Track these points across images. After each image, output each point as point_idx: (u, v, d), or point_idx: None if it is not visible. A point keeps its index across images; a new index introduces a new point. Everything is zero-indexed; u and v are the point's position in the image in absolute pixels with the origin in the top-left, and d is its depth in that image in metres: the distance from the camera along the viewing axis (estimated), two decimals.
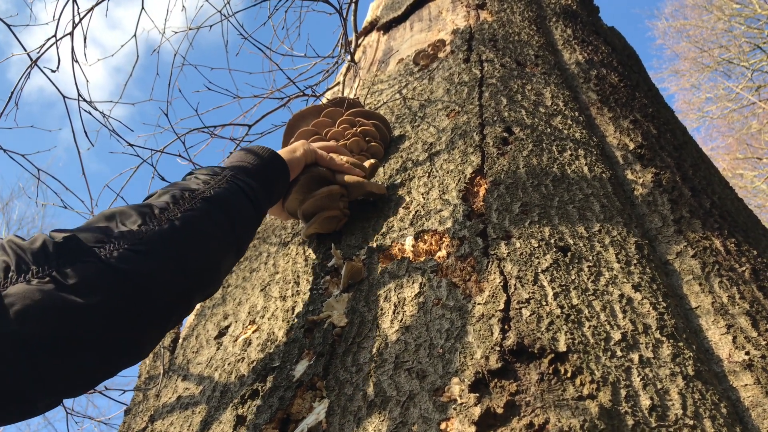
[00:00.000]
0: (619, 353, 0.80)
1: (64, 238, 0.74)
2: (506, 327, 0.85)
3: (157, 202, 0.88)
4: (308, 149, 1.25)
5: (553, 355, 0.79)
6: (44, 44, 1.48)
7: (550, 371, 0.78)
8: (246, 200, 0.99)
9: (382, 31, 2.66)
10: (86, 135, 1.56)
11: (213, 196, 0.93)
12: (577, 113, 1.51)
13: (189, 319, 1.61)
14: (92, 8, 1.57)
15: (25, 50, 1.46)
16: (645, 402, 0.73)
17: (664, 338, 0.84)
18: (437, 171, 1.31)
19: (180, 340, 1.47)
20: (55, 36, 1.47)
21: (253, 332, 1.17)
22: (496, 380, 0.78)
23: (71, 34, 1.55)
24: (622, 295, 0.91)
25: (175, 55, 1.95)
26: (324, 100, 2.10)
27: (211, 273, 0.91)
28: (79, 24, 1.54)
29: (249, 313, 1.25)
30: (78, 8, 1.53)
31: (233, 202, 0.96)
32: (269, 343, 1.10)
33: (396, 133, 1.60)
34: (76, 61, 1.56)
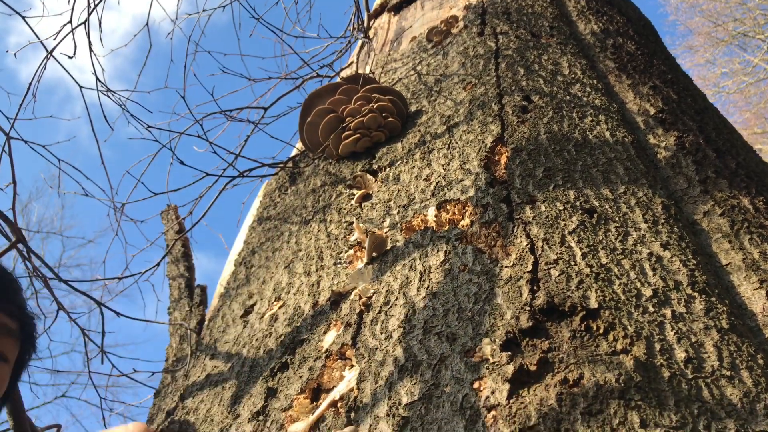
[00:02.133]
0: (651, 309, 0.80)
1: None
2: (535, 288, 0.84)
3: None
4: None
5: (584, 312, 0.79)
6: (59, 31, 1.48)
7: (582, 328, 0.77)
8: None
9: (392, 12, 2.64)
10: (107, 121, 1.57)
11: None
12: (595, 81, 1.49)
13: (213, 302, 1.62)
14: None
15: (41, 41, 1.47)
16: (680, 355, 0.72)
17: (696, 293, 0.83)
18: (457, 142, 1.30)
19: (206, 322, 1.48)
20: (71, 23, 1.47)
21: (279, 308, 1.18)
22: (527, 339, 0.77)
23: (87, 21, 1.55)
24: (651, 254, 0.90)
25: (189, 40, 1.95)
26: (338, 80, 2.10)
27: None
28: (94, 11, 1.54)
29: (274, 290, 1.25)
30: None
31: None
32: (296, 317, 1.11)
33: (413, 108, 1.59)
34: (92, 51, 1.56)
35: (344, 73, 2.22)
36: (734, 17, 13.44)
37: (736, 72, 13.37)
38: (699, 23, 14.33)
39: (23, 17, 1.55)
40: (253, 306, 1.29)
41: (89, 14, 1.57)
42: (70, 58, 1.48)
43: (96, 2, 1.57)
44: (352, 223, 1.25)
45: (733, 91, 13.31)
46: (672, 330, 0.76)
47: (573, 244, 0.91)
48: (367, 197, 1.33)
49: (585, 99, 1.38)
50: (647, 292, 0.82)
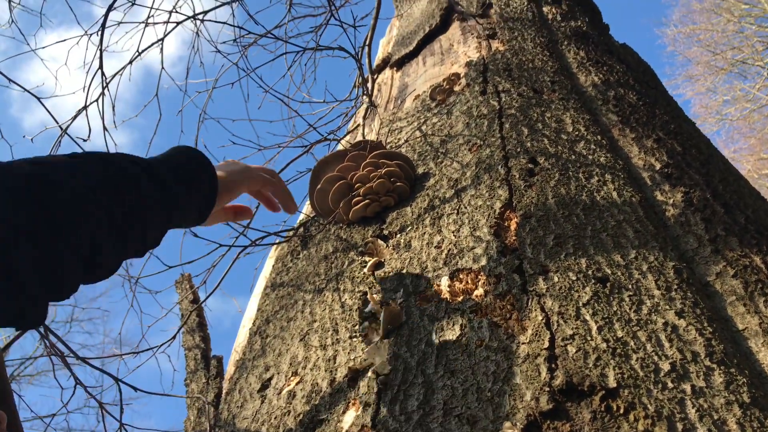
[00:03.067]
0: (670, 384, 0.79)
1: None
2: (553, 366, 0.84)
3: None
4: (254, 174, 1.14)
5: (603, 392, 0.79)
6: (76, 116, 1.53)
7: (602, 408, 0.77)
8: (155, 191, 0.91)
9: (395, 68, 2.70)
10: None
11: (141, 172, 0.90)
12: (599, 137, 1.51)
13: (229, 372, 1.62)
14: (116, 74, 1.63)
15: (57, 122, 1.51)
16: None
17: (714, 365, 0.83)
18: (466, 207, 1.32)
19: (223, 395, 1.48)
20: (85, 108, 1.52)
21: (297, 384, 1.18)
22: (548, 422, 0.77)
23: (100, 98, 1.60)
24: (666, 323, 0.90)
25: (201, 114, 2.00)
26: (344, 143, 2.13)
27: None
28: (106, 88, 1.59)
29: (290, 364, 1.26)
30: (105, 79, 1.58)
31: (143, 189, 0.89)
32: (314, 394, 1.11)
33: (420, 170, 1.62)
34: (106, 129, 1.61)
35: (350, 136, 2.25)
36: (732, 45, 13.59)
37: (738, 99, 13.45)
38: (697, 53, 14.49)
39: (39, 99, 1.59)
40: (270, 380, 1.29)
41: (103, 91, 1.62)
42: (84, 140, 1.52)
43: (107, 82, 1.62)
44: (366, 293, 1.26)
45: (737, 118, 13.37)
46: (693, 407, 0.76)
47: (588, 318, 0.91)
48: (379, 265, 1.34)
49: (590, 157, 1.40)
50: (665, 366, 0.82)
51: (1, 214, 0.74)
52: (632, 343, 0.86)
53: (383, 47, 3.27)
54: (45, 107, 1.66)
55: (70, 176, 0.83)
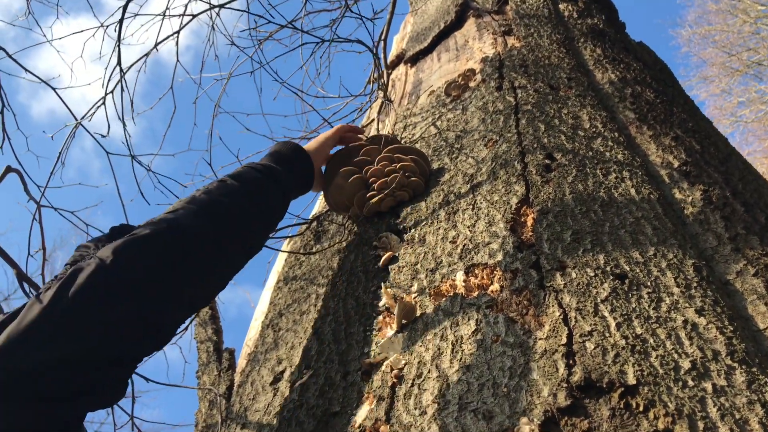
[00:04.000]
0: (690, 383, 0.78)
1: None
2: (571, 362, 0.83)
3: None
4: (332, 132, 1.60)
5: (623, 389, 0.78)
6: (93, 111, 1.54)
7: (622, 406, 0.76)
8: (255, 171, 1.27)
9: (409, 64, 2.68)
10: (140, 191, 1.61)
11: (225, 177, 1.23)
12: (616, 134, 1.50)
13: (241, 365, 1.62)
14: (132, 66, 1.63)
15: (72, 114, 1.51)
16: None
17: (736, 364, 0.81)
18: (481, 202, 1.31)
19: (235, 387, 1.48)
20: (104, 104, 1.52)
21: (310, 377, 1.17)
22: (566, 418, 0.76)
23: (117, 90, 1.60)
24: (686, 321, 0.89)
25: (215, 106, 2.00)
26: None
27: (222, 213, 1.14)
28: (123, 79, 1.59)
29: (303, 357, 1.25)
30: (123, 72, 1.58)
31: (243, 175, 1.24)
32: (327, 387, 1.10)
33: (435, 165, 1.61)
34: (124, 124, 1.61)
35: (365, 132, 2.24)
36: (748, 47, 13.47)
37: (753, 101, 13.33)
38: (712, 54, 14.37)
39: (54, 89, 1.60)
40: (282, 373, 1.29)
41: (119, 82, 1.62)
42: (104, 137, 1.52)
43: (123, 73, 1.62)
44: (380, 287, 1.25)
45: (752, 120, 13.25)
46: (714, 406, 0.75)
47: (606, 314, 0.90)
48: (393, 259, 1.33)
49: (608, 154, 1.39)
50: (685, 364, 0.81)
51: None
52: (651, 341, 0.85)
53: (397, 43, 3.26)
54: (62, 99, 1.67)
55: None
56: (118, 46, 1.82)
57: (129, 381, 1.00)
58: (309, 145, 1.51)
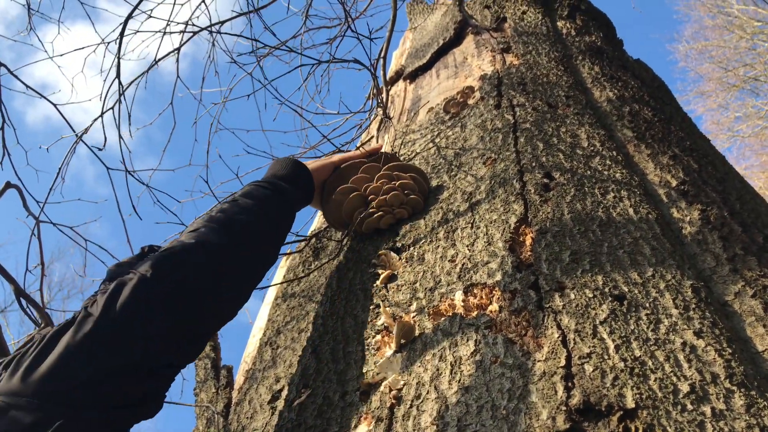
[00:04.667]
0: (689, 406, 0.78)
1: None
2: (570, 384, 0.83)
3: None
4: (336, 158, 1.65)
5: (621, 413, 0.78)
6: (91, 125, 1.54)
7: (620, 430, 0.76)
8: (262, 189, 1.35)
9: (408, 80, 2.70)
10: (134, 208, 1.62)
11: (237, 195, 1.32)
12: (614, 152, 1.50)
13: (239, 382, 1.61)
14: (133, 82, 1.63)
15: (72, 129, 1.52)
16: None
17: (734, 387, 0.81)
18: (480, 221, 1.31)
19: (233, 405, 1.47)
20: (101, 117, 1.53)
21: (308, 396, 1.17)
22: None
23: (116, 106, 1.61)
24: (684, 343, 0.89)
25: (213, 123, 2.00)
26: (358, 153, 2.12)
27: (241, 230, 1.23)
28: (123, 96, 1.60)
29: (302, 376, 1.25)
30: (122, 86, 1.59)
31: (252, 193, 1.33)
32: (325, 407, 1.10)
33: (433, 183, 1.61)
34: (120, 137, 1.62)
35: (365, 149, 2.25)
36: (744, 62, 13.55)
37: (750, 116, 13.40)
38: (709, 69, 14.46)
39: (55, 105, 1.60)
40: (280, 391, 1.29)
41: (119, 100, 1.63)
42: (100, 149, 1.53)
43: (124, 89, 1.63)
44: (379, 306, 1.25)
45: (748, 134, 13.31)
46: (713, 430, 0.75)
47: (605, 336, 0.90)
48: (392, 278, 1.33)
49: (606, 173, 1.39)
50: (684, 387, 0.81)
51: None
52: (650, 363, 0.85)
53: (396, 59, 3.28)
54: (62, 114, 1.67)
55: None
56: (119, 60, 1.83)
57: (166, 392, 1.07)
58: (310, 163, 1.58)
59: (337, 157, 1.66)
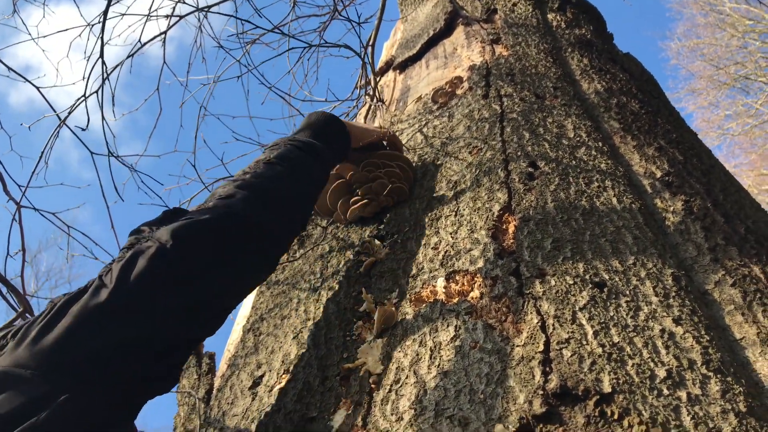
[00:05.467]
0: (666, 391, 0.78)
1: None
2: (548, 369, 0.83)
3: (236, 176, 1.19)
4: (382, 131, 1.61)
5: (598, 397, 0.78)
6: (74, 105, 1.52)
7: (597, 414, 0.76)
8: (302, 153, 1.28)
9: (398, 71, 2.69)
10: (117, 191, 1.60)
11: (272, 158, 1.22)
12: (600, 143, 1.50)
13: (222, 370, 1.61)
14: (117, 66, 1.61)
15: (57, 115, 1.50)
16: None
17: (711, 373, 0.82)
18: (464, 209, 1.31)
19: (214, 392, 1.46)
20: (85, 100, 1.51)
21: (288, 381, 1.17)
22: (541, 425, 0.76)
23: (100, 90, 1.59)
24: (663, 330, 0.89)
25: (200, 108, 1.99)
26: None
27: (276, 202, 1.17)
28: (107, 80, 1.58)
29: (283, 361, 1.24)
30: (106, 68, 1.57)
31: (289, 157, 1.25)
32: (305, 392, 1.09)
33: (419, 172, 1.61)
34: (105, 120, 1.60)
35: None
36: (735, 60, 13.61)
37: (740, 114, 13.47)
38: (701, 67, 14.52)
39: (38, 88, 1.59)
40: (261, 377, 1.28)
41: (102, 85, 1.61)
42: (83, 130, 1.51)
43: (108, 74, 1.61)
44: (361, 292, 1.25)
45: (738, 132, 13.38)
46: (688, 415, 0.75)
47: (584, 322, 0.90)
48: (375, 265, 1.33)
49: (591, 163, 1.39)
50: (661, 372, 0.81)
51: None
52: (628, 349, 0.85)
53: (387, 50, 3.27)
54: (46, 100, 1.65)
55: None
56: (102, 40, 1.80)
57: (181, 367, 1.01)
58: (352, 125, 1.52)
59: (383, 130, 1.62)
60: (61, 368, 0.79)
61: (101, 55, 1.53)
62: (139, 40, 1.80)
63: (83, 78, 1.58)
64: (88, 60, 1.62)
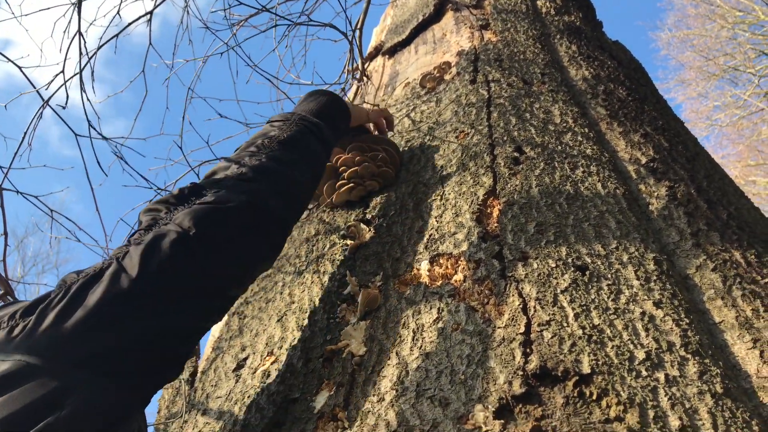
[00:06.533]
0: (644, 373, 0.79)
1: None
2: (528, 350, 0.84)
3: (246, 151, 1.17)
4: (375, 111, 1.63)
5: (577, 378, 0.78)
6: (52, 80, 1.50)
7: (575, 394, 0.77)
8: (313, 137, 1.27)
9: (387, 56, 2.68)
10: (101, 169, 1.57)
11: (286, 139, 1.21)
12: (586, 129, 1.51)
13: (206, 352, 1.60)
14: (100, 47, 1.59)
15: (37, 91, 1.48)
16: (674, 423, 0.72)
17: (689, 355, 0.82)
18: (449, 193, 1.31)
19: (198, 374, 1.46)
20: (63, 74, 1.48)
21: (272, 363, 1.17)
22: (520, 405, 0.77)
23: (80, 73, 1.57)
24: (643, 313, 0.90)
25: (189, 90, 1.97)
26: None
27: (292, 192, 1.17)
28: (87, 61, 1.56)
29: (267, 344, 1.24)
30: (86, 44, 1.55)
31: (302, 141, 1.24)
32: (288, 374, 1.10)
33: (406, 156, 1.61)
34: (88, 100, 1.58)
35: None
36: (725, 52, 13.66)
37: (728, 105, 13.53)
38: (690, 57, 14.56)
39: (20, 68, 1.56)
40: (245, 360, 1.28)
41: (82, 69, 1.59)
42: (63, 108, 1.49)
43: (91, 55, 1.59)
44: (346, 275, 1.25)
45: (726, 123, 13.45)
46: (666, 395, 0.76)
47: (565, 304, 0.91)
48: (360, 248, 1.32)
49: (577, 149, 1.39)
50: (640, 354, 0.82)
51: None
52: (608, 331, 0.86)
53: (377, 35, 3.25)
54: (29, 80, 1.63)
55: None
56: (79, 14, 1.76)
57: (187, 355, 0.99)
58: (354, 106, 1.52)
59: (376, 111, 1.65)
60: (80, 360, 0.77)
61: (78, 30, 1.51)
62: (118, 13, 1.76)
63: (60, 51, 1.56)
64: (66, 31, 1.60)
